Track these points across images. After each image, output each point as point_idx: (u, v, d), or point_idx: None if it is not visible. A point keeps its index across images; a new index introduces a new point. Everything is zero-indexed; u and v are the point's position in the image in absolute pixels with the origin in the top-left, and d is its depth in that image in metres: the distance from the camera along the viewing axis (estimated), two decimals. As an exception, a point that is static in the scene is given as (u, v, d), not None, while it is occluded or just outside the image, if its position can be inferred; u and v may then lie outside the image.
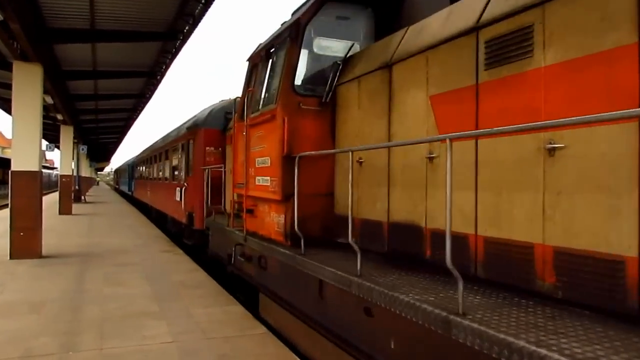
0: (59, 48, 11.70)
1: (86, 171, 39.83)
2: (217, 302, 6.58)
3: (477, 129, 3.37)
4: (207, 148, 10.47)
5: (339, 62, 5.42)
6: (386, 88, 4.51)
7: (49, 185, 49.74)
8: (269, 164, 5.68)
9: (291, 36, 5.38)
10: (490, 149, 3.28)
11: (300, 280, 4.77)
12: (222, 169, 8.44)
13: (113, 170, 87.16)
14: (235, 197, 7.47)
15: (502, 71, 3.22)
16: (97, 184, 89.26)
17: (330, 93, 5.39)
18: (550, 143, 2.82)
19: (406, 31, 4.47)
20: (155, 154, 18.98)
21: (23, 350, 4.66)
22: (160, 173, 17.25)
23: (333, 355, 4.26)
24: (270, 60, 6.12)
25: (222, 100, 11.34)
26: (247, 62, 7.10)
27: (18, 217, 9.48)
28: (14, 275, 8.20)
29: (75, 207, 22.46)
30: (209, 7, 9.73)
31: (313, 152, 4.95)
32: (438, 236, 3.79)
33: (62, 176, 21.26)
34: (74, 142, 22.83)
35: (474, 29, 3.44)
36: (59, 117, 18.38)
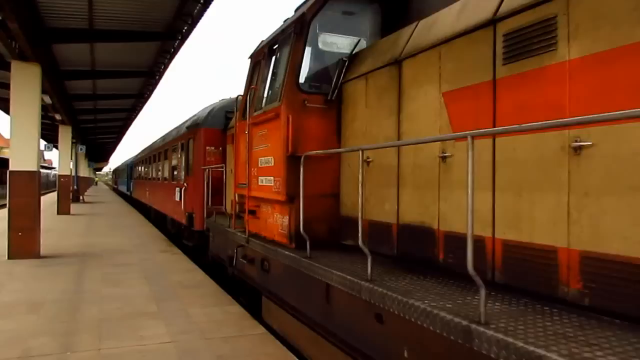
0: (58, 48, 11.69)
1: (84, 171, 39.72)
2: (216, 302, 6.55)
3: (494, 127, 3.21)
4: (208, 148, 10.31)
5: (344, 59, 5.25)
6: (395, 85, 4.35)
7: (47, 185, 49.52)
8: (273, 164, 5.51)
9: (296, 31, 5.22)
10: (509, 148, 3.12)
11: (306, 284, 4.61)
12: (223, 169, 8.27)
13: (111, 170, 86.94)
14: (237, 198, 7.30)
15: (521, 66, 3.05)
16: (96, 184, 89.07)
17: (336, 91, 5.23)
18: (577, 141, 2.66)
19: (416, 25, 4.31)
20: (154, 154, 18.78)
21: (21, 350, 4.61)
22: (160, 173, 17.06)
23: (341, 363, 4.09)
24: (274, 57, 5.96)
25: (223, 100, 11.16)
26: (249, 60, 6.93)
27: (16, 217, 9.48)
28: (12, 275, 8.14)
29: (74, 207, 22.41)
30: (208, 7, 9.69)
31: (320, 152, 4.77)
32: (452, 239, 3.62)
33: (60, 176, 21.20)
34: (72, 142, 22.78)
35: (491, 22, 3.28)
36: (58, 116, 18.33)
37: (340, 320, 4.04)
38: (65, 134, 21.12)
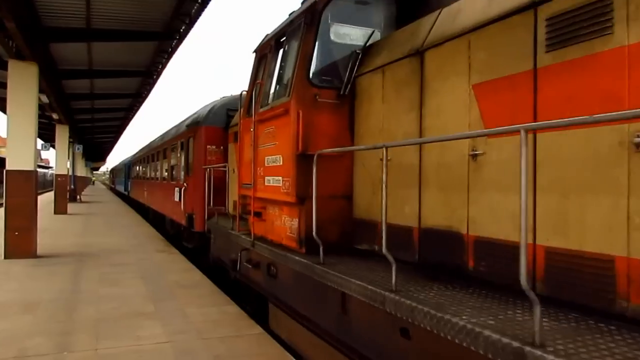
0: (55, 47, 11.65)
1: (82, 170, 39.45)
2: (213, 302, 6.49)
3: (535, 121, 2.89)
4: (209, 146, 9.99)
5: (358, 51, 4.93)
6: (417, 78, 4.02)
7: (44, 184, 49.07)
8: (281, 163, 5.18)
9: (307, 22, 4.89)
10: (554, 145, 2.79)
11: (319, 292, 4.28)
12: (226, 169, 7.93)
13: (109, 169, 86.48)
14: (240, 199, 6.96)
15: (568, 53, 2.73)
16: (93, 183, 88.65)
17: (349, 85, 4.91)
18: (639, 136, 2.34)
19: (439, 13, 3.98)
20: (153, 153, 18.39)
21: (17, 350, 4.56)
22: (158, 172, 16.70)
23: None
24: (282, 50, 5.63)
25: (224, 97, 10.82)
26: (254, 54, 6.60)
27: (13, 217, 9.49)
28: (8, 275, 8.02)
29: (71, 207, 22.21)
30: (206, 6, 9.59)
31: (335, 149, 4.44)
32: (483, 245, 3.30)
33: (57, 175, 21.07)
34: (69, 142, 22.62)
35: (532, 5, 2.95)
36: (55, 116, 18.16)
37: (358, 332, 3.72)
38: (62, 134, 20.99)
